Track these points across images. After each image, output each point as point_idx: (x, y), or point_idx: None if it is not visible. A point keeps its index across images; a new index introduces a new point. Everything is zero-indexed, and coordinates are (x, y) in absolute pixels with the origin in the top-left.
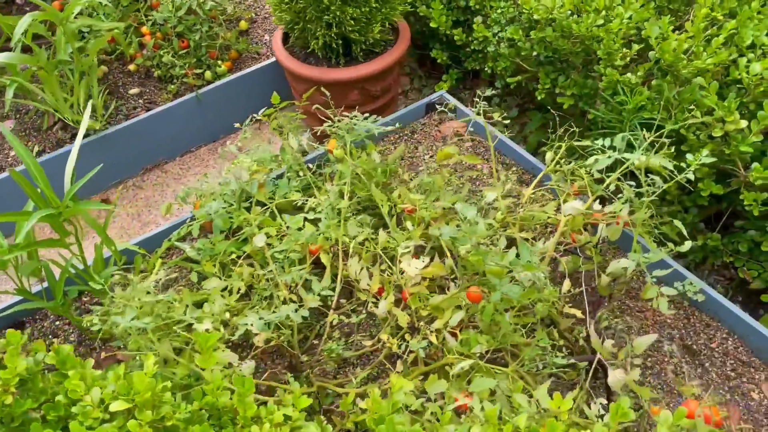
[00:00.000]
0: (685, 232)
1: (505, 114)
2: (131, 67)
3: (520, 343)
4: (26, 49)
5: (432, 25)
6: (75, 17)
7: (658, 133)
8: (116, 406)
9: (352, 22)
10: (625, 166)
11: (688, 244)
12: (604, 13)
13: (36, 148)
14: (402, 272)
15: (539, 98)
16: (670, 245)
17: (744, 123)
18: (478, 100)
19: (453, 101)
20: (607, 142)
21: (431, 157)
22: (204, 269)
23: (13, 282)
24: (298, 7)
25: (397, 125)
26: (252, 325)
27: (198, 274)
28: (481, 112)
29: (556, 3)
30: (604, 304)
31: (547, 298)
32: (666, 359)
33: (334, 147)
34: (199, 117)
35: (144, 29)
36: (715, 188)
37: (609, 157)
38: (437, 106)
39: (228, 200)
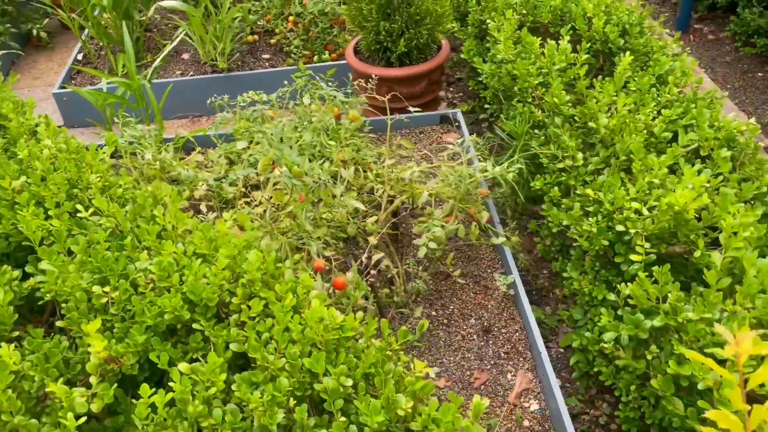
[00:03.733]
0: (481, 227)
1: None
2: (272, 41)
3: (314, 234)
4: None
5: (462, 56)
6: None
7: (523, 154)
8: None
9: (384, 33)
10: (490, 172)
11: (501, 239)
12: (536, 62)
13: (191, 73)
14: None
15: (499, 124)
16: (494, 239)
17: (581, 160)
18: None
19: (460, 119)
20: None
21: (419, 150)
22: (208, 155)
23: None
24: (352, 15)
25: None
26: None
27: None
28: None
29: (509, 49)
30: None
31: (353, 221)
32: (465, 327)
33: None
34: None
35: (290, 18)
36: (554, 212)
37: (456, 153)
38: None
39: (248, 120)
